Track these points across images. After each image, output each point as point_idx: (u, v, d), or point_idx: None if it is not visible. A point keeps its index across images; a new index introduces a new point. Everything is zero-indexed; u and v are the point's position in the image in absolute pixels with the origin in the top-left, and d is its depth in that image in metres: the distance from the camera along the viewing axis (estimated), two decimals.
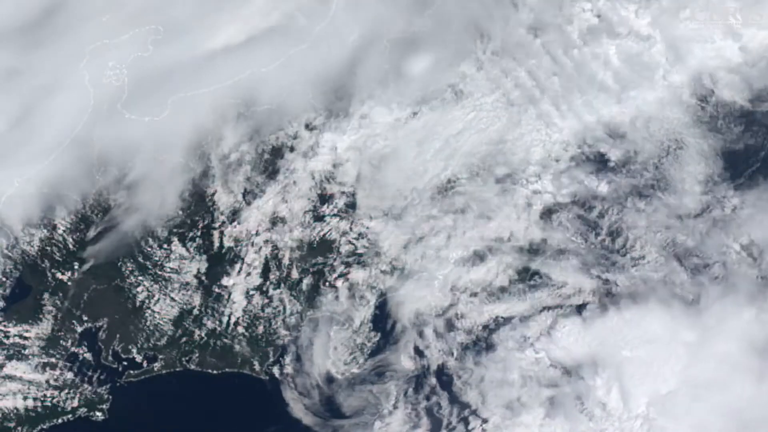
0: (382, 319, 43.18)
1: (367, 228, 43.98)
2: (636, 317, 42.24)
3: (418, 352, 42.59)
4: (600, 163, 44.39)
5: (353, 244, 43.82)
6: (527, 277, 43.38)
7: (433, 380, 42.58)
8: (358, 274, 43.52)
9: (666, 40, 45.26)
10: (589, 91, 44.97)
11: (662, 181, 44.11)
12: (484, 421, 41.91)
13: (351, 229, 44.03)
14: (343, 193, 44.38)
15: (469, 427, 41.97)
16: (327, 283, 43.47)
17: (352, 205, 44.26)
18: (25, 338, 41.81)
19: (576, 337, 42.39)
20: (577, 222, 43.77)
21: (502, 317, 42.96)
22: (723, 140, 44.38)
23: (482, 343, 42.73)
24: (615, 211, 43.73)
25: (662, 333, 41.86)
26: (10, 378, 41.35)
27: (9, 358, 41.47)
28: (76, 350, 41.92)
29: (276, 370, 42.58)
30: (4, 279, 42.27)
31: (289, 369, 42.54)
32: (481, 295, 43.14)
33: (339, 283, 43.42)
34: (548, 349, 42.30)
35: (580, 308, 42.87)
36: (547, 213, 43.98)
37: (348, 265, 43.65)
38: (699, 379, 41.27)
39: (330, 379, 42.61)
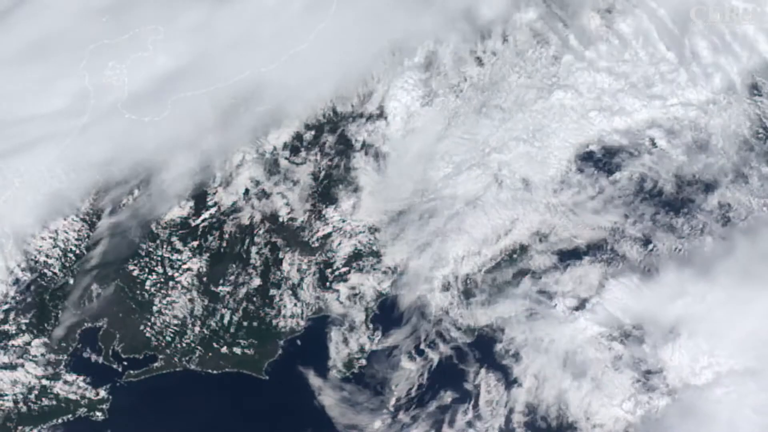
0: (384, 318, 43.01)
1: (369, 229, 43.89)
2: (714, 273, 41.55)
3: (419, 352, 42.42)
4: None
5: (355, 244, 43.73)
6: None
7: (470, 357, 42.45)
8: (359, 275, 43.41)
9: None
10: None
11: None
12: (521, 387, 41.71)
13: (353, 229, 43.94)
14: (346, 193, 44.31)
15: (513, 400, 41.72)
16: (328, 284, 43.39)
17: (354, 206, 44.17)
18: (26, 338, 41.85)
19: (635, 298, 41.86)
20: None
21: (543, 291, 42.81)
22: None
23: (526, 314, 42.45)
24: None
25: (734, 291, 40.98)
26: (11, 378, 41.38)
27: (9, 357, 41.51)
28: (76, 350, 41.91)
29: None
30: (4, 280, 42.32)
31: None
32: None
33: (340, 284, 43.31)
34: (603, 311, 41.80)
35: (638, 269, 42.48)
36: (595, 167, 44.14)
37: (349, 265, 43.56)
38: None
39: (340, 378, 42.59)
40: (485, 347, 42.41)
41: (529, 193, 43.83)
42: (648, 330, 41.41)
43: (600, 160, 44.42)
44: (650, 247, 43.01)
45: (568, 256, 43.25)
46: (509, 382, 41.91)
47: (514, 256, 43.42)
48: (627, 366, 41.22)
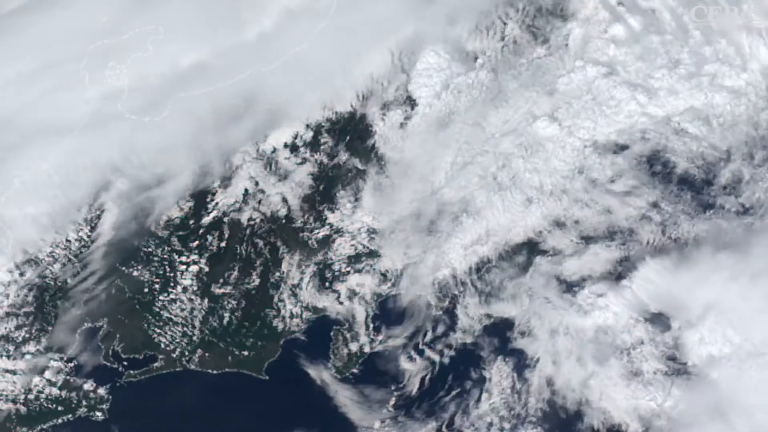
0: (385, 318, 43.00)
1: (369, 229, 43.89)
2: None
3: (419, 351, 42.38)
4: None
5: (354, 245, 43.73)
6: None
7: (483, 347, 41.99)
8: (358, 275, 43.39)
9: None
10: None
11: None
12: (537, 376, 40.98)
13: (353, 230, 43.94)
14: (346, 194, 44.33)
15: (528, 388, 41.03)
16: (327, 284, 43.39)
17: (354, 206, 44.18)
18: (26, 338, 41.86)
19: (664, 280, 40.69)
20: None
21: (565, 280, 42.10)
22: None
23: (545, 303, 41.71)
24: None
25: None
26: (11, 378, 41.39)
27: (9, 358, 41.52)
28: (76, 350, 41.90)
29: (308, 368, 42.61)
30: (5, 280, 42.33)
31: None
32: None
33: (340, 284, 43.29)
34: (630, 295, 40.74)
35: (661, 251, 41.66)
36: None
37: (349, 266, 43.56)
38: None
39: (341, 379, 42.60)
40: (499, 337, 41.83)
41: (545, 178, 43.33)
42: (675, 314, 40.08)
43: (621, 144, 43.64)
44: (673, 228, 42.01)
45: (587, 241, 42.38)
46: (523, 369, 41.07)
47: (530, 243, 42.74)
48: (651, 352, 39.99)
